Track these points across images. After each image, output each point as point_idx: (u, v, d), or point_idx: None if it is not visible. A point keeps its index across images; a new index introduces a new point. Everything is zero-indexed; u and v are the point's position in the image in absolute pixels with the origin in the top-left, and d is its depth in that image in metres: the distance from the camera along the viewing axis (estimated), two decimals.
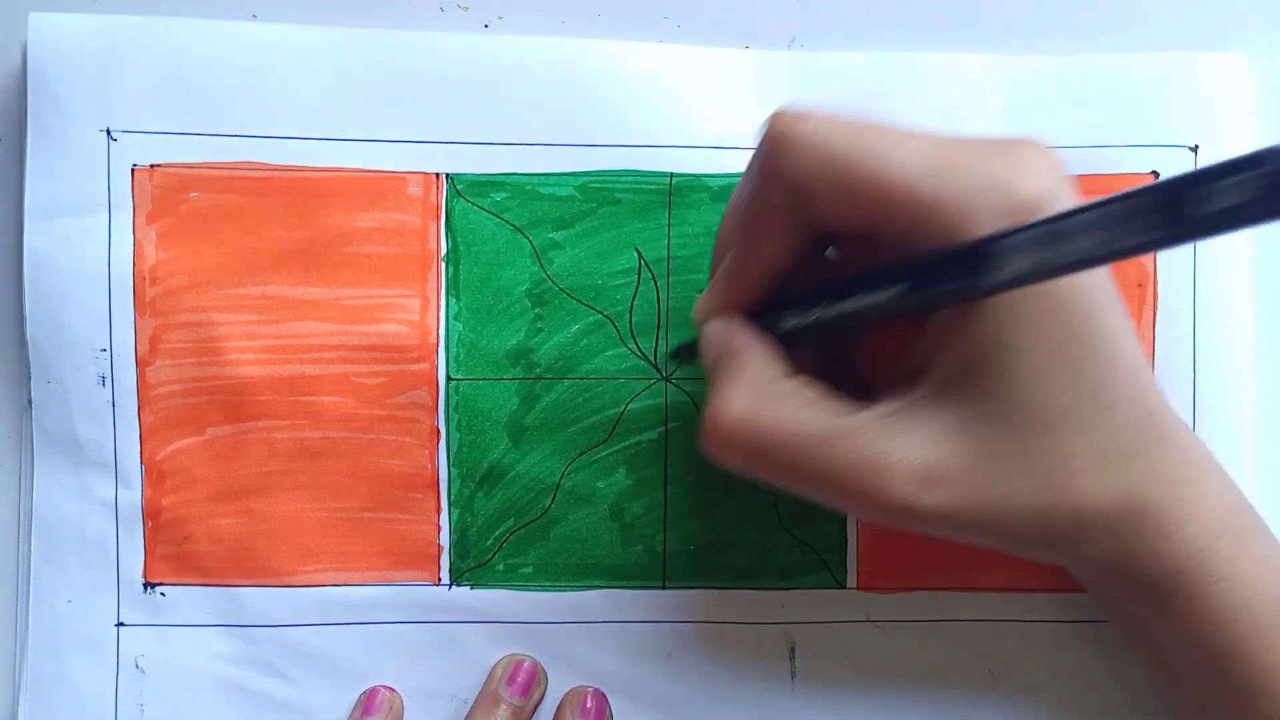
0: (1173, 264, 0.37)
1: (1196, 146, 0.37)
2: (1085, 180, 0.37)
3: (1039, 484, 0.27)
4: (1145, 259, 0.37)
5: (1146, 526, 0.28)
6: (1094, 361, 0.27)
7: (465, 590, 0.37)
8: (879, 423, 0.28)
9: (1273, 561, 0.29)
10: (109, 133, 0.36)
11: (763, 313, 0.31)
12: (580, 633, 0.37)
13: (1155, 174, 0.37)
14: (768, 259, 0.30)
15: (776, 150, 0.28)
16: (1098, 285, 0.28)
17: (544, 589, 0.37)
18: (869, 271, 0.27)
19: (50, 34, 0.35)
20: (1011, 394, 0.27)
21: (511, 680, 0.36)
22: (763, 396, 0.28)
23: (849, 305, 0.28)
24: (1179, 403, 0.37)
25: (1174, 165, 0.37)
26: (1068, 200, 0.27)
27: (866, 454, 0.27)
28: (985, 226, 0.25)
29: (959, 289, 0.25)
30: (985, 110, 0.37)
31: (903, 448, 0.27)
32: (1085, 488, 0.27)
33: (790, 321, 0.30)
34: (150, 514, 0.36)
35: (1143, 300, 0.37)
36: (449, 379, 0.37)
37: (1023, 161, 0.27)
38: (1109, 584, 0.31)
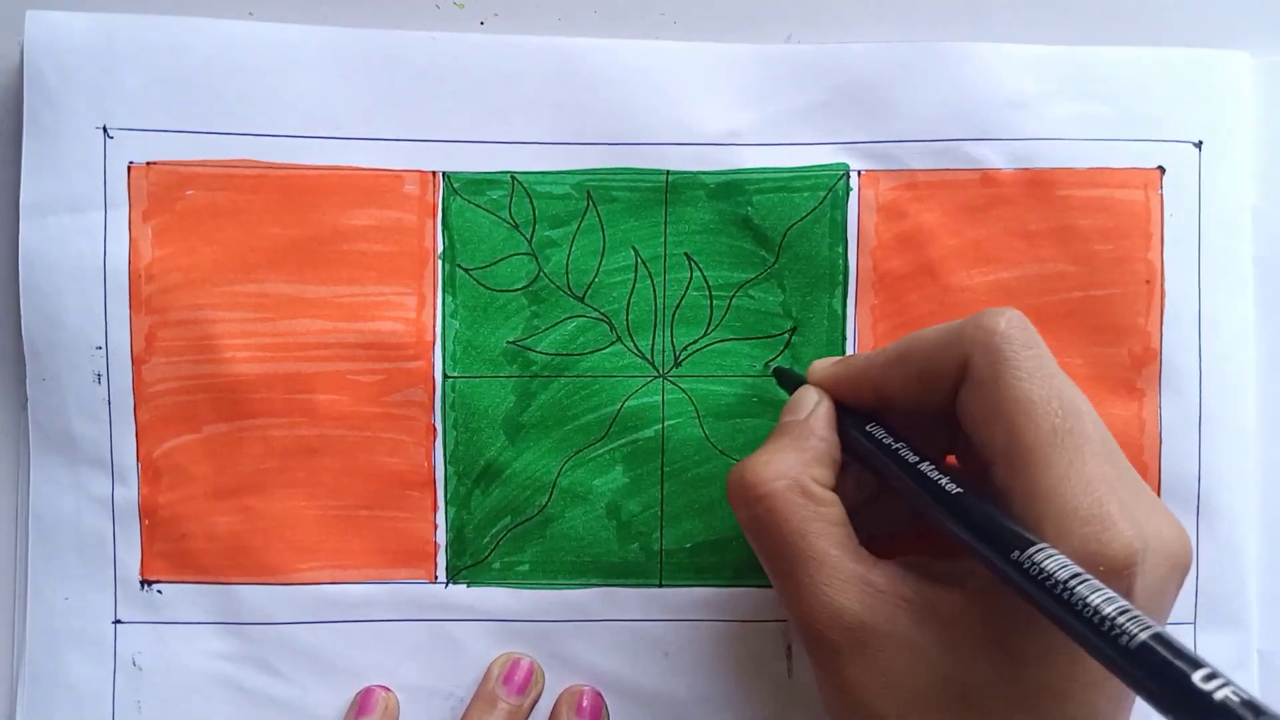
0: (1178, 262, 0.37)
1: (1201, 143, 0.37)
2: (1091, 174, 0.36)
3: None
4: (1153, 255, 0.36)
5: None
6: None
7: (462, 588, 0.37)
8: (865, 580, 0.28)
9: None
10: (105, 130, 0.36)
11: (859, 415, 0.31)
12: (577, 631, 0.37)
13: (1161, 169, 0.36)
14: (897, 391, 0.30)
15: (990, 334, 0.28)
16: None
17: (540, 587, 0.37)
18: (976, 505, 0.27)
19: (47, 32, 0.35)
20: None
21: (508, 679, 0.36)
22: (798, 488, 0.29)
23: (913, 493, 0.29)
24: (1184, 400, 0.36)
25: (1179, 161, 0.37)
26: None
27: (827, 596, 0.28)
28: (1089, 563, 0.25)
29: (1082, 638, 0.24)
30: (988, 101, 0.36)
31: (856, 610, 0.28)
32: None
33: (865, 450, 0.31)
34: (147, 512, 0.36)
35: (1150, 297, 0.37)
36: (445, 377, 0.37)
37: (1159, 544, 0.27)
38: None
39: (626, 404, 0.37)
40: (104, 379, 0.36)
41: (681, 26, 0.37)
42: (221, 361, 0.36)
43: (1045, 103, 0.36)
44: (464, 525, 0.37)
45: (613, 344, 0.37)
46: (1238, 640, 0.37)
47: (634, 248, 0.37)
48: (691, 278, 0.37)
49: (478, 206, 0.36)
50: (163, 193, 0.36)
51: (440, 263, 0.36)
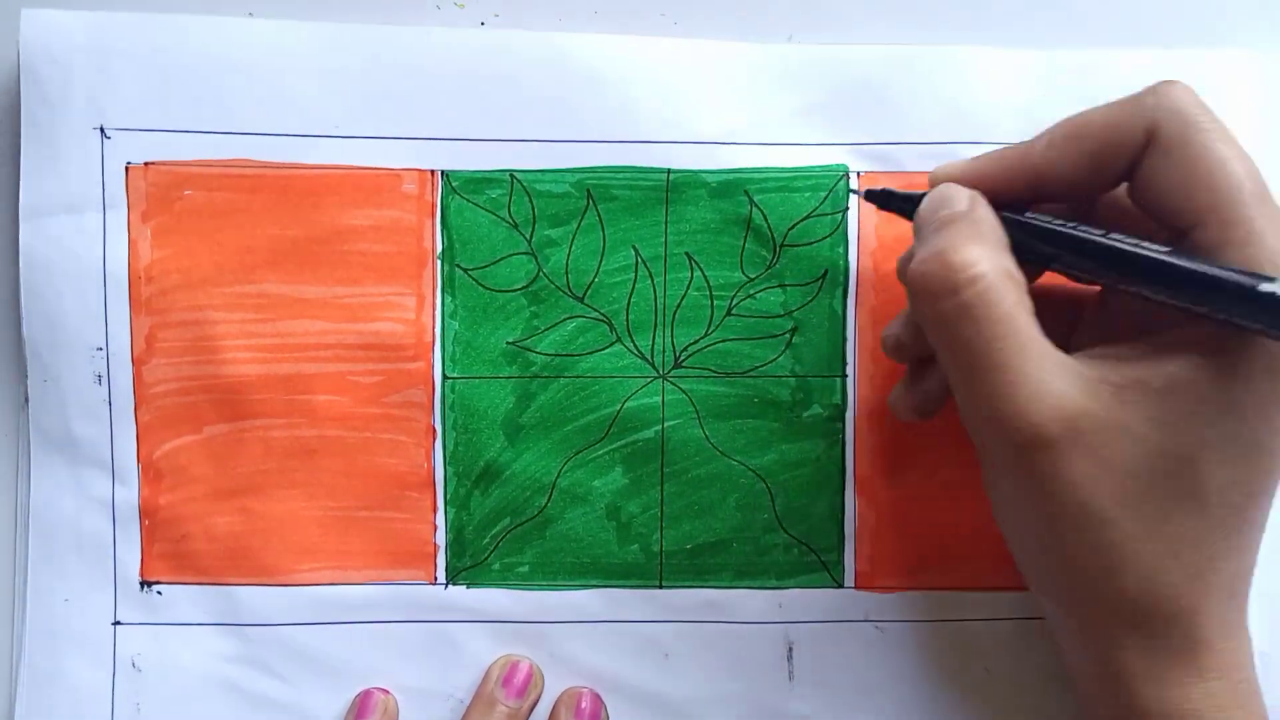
0: None
1: None
2: None
3: (1160, 548, 0.27)
4: None
5: (1207, 634, 0.28)
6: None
7: (461, 589, 0.37)
8: (1075, 368, 0.27)
9: None
10: (103, 130, 0.35)
11: (1009, 207, 0.30)
12: (576, 632, 0.37)
13: None
14: (1061, 174, 0.30)
15: (1175, 99, 0.28)
16: None
17: (540, 588, 0.37)
18: (1170, 260, 0.27)
19: (43, 31, 0.35)
20: (1201, 470, 0.27)
21: (507, 682, 0.36)
22: (1006, 272, 0.27)
23: (1109, 270, 0.28)
24: None
25: None
26: None
27: (1045, 383, 0.27)
28: None
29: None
30: (989, 103, 0.36)
31: (1074, 395, 0.27)
32: (1191, 565, 0.27)
33: (1037, 238, 0.29)
34: (147, 512, 0.36)
35: None
36: (445, 377, 0.36)
37: None
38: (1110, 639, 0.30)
39: (626, 405, 0.37)
40: (104, 380, 0.36)
41: (682, 27, 0.37)
42: (221, 362, 0.36)
43: (1044, 105, 0.36)
44: (464, 526, 0.37)
45: (613, 344, 0.37)
46: None
47: (634, 247, 0.37)
48: (692, 277, 0.37)
49: (477, 205, 0.36)
50: (161, 193, 0.36)
51: (439, 263, 0.36)
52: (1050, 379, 0.27)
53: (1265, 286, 0.25)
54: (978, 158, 0.31)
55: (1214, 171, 0.27)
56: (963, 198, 0.30)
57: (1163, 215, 0.29)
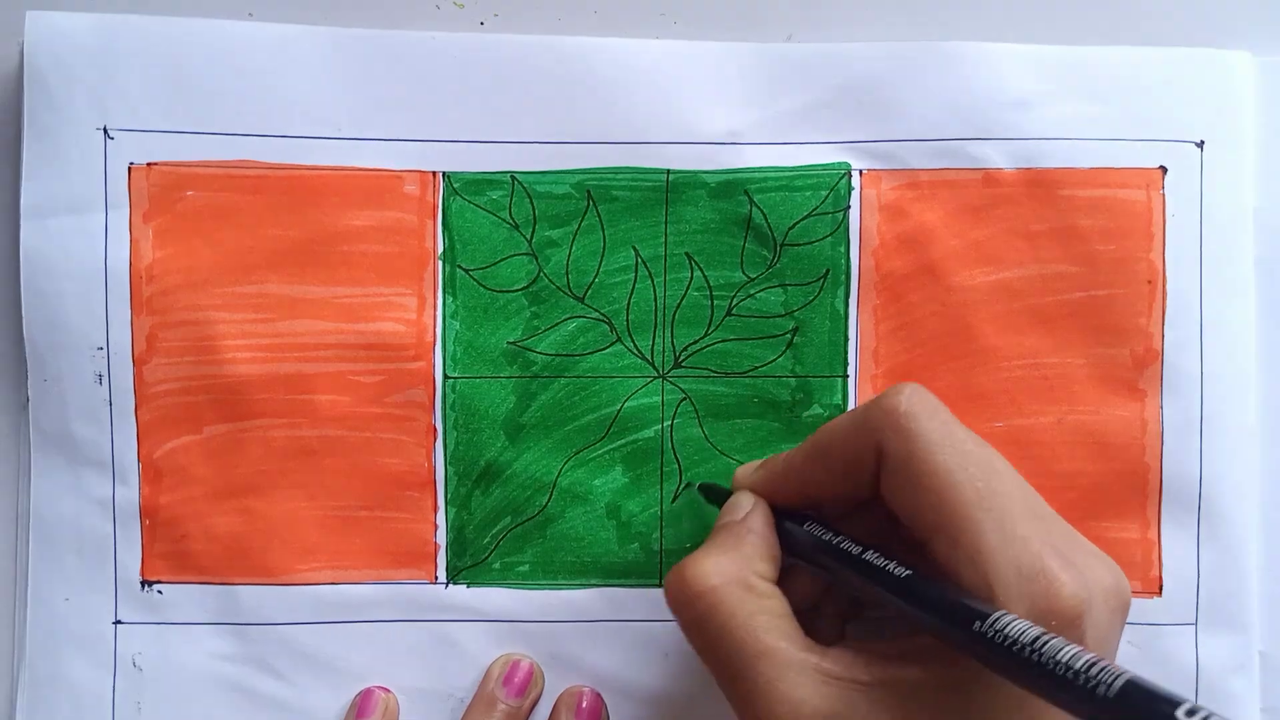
0: (1180, 262, 0.36)
1: (1202, 143, 0.36)
2: (1093, 174, 0.36)
3: None
4: (1155, 255, 0.36)
5: None
6: None
7: (462, 589, 0.37)
8: (818, 669, 0.28)
9: None
10: (106, 131, 0.36)
11: (793, 514, 0.32)
12: (577, 631, 0.37)
13: (1163, 169, 0.36)
14: (823, 485, 0.31)
15: (894, 415, 0.28)
16: None
17: (540, 587, 0.37)
18: (905, 578, 0.28)
19: (47, 32, 0.35)
20: None
21: (508, 681, 0.36)
22: (741, 583, 0.29)
23: (860, 583, 0.29)
24: (1185, 401, 0.36)
25: (1181, 161, 0.36)
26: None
27: (781, 689, 0.27)
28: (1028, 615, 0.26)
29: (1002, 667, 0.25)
30: (990, 101, 0.36)
31: (815, 702, 0.27)
32: None
33: (806, 547, 0.31)
34: (147, 512, 0.36)
35: (1152, 298, 0.36)
36: (446, 377, 0.37)
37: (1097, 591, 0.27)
38: None
39: (626, 404, 0.37)
40: (105, 380, 0.36)
41: (681, 26, 0.37)
42: (222, 362, 0.36)
43: (1047, 102, 0.36)
44: (464, 526, 0.37)
45: (613, 344, 0.37)
46: (1239, 641, 0.37)
47: (634, 248, 0.37)
48: (692, 278, 0.37)
49: (478, 206, 0.36)
50: (163, 194, 0.36)
51: (440, 263, 0.36)
52: (790, 687, 0.27)
53: (977, 625, 0.25)
54: (767, 461, 0.33)
55: (937, 490, 0.28)
56: (744, 506, 0.32)
57: (906, 526, 0.29)
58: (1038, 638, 0.24)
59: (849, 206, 0.37)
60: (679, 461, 0.37)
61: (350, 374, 0.36)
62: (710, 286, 0.37)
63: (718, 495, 0.35)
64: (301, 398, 0.36)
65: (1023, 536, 0.27)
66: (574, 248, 0.37)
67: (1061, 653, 0.23)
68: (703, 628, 0.29)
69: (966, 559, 0.27)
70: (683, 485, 0.37)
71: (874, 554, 0.29)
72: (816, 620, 0.33)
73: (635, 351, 0.37)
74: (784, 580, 0.31)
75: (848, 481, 0.30)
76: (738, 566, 0.30)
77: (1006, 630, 0.25)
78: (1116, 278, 0.36)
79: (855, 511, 0.32)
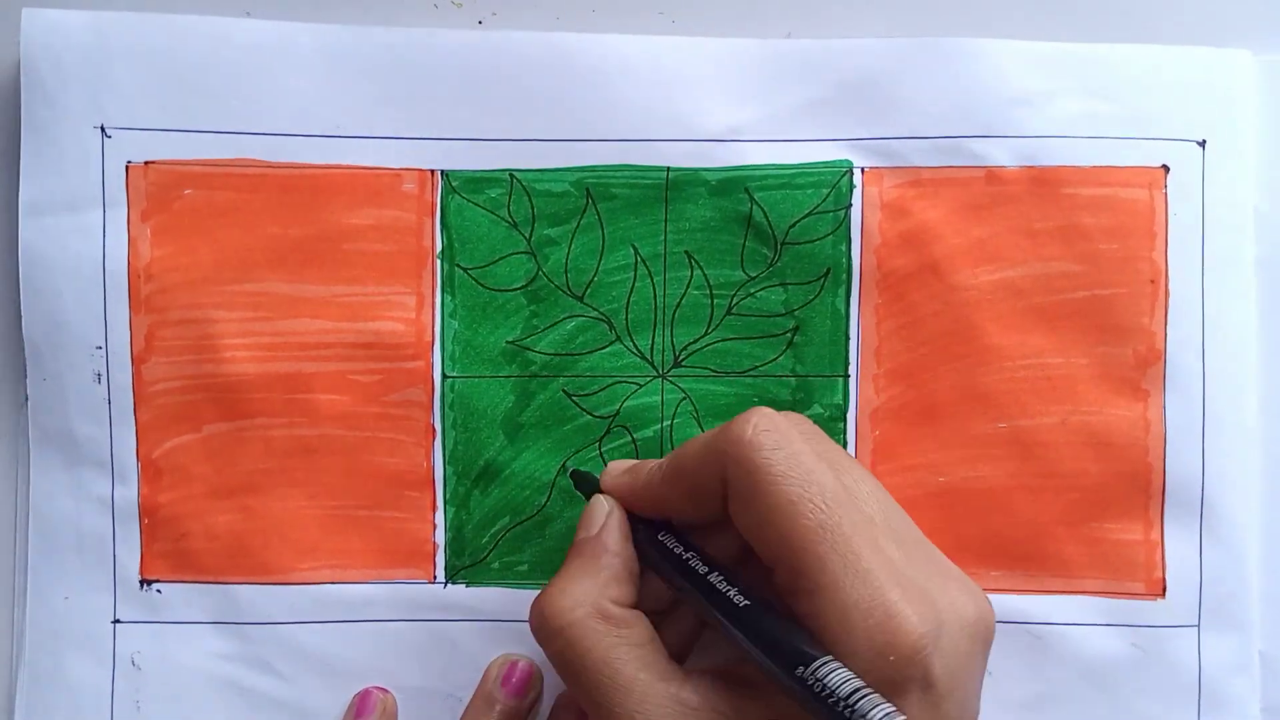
0: (1182, 261, 0.36)
1: (1204, 142, 0.36)
2: (1096, 172, 0.36)
3: None
4: (1157, 254, 0.36)
5: None
6: None
7: (460, 588, 0.37)
8: (677, 700, 0.28)
9: None
10: (103, 129, 0.35)
11: (651, 522, 0.32)
12: None
13: (1165, 168, 0.36)
14: (679, 507, 0.31)
15: (737, 445, 0.28)
16: None
17: (539, 587, 0.36)
18: (747, 609, 0.28)
19: (44, 30, 0.35)
20: None
21: (506, 681, 0.36)
22: (599, 613, 0.29)
23: (702, 605, 0.29)
24: (1188, 401, 0.36)
25: (1183, 160, 0.36)
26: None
27: (644, 709, 0.28)
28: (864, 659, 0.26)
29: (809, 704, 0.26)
30: (993, 98, 0.36)
31: None
32: None
33: (656, 560, 0.31)
34: (147, 511, 0.36)
35: (1154, 297, 0.36)
36: (444, 376, 0.36)
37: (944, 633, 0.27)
38: None
39: (626, 404, 0.37)
40: (104, 379, 0.36)
41: (680, 24, 0.37)
42: (221, 361, 0.36)
43: (1049, 100, 0.36)
44: (463, 525, 0.37)
45: (612, 343, 0.37)
46: (1239, 641, 0.36)
47: (634, 246, 0.37)
48: (692, 276, 0.37)
49: (476, 205, 0.36)
50: (161, 192, 0.36)
51: (439, 262, 0.36)
52: (650, 717, 0.27)
53: (800, 670, 0.25)
54: (635, 466, 0.33)
55: (778, 524, 0.27)
56: (598, 519, 0.32)
57: (758, 554, 0.29)
58: (855, 691, 0.24)
59: (850, 204, 0.36)
60: None
61: (349, 373, 0.36)
62: (710, 285, 0.37)
63: (587, 485, 0.34)
64: (300, 397, 0.36)
65: (865, 569, 0.27)
66: (573, 246, 0.37)
67: (874, 711, 0.24)
68: (565, 662, 0.29)
69: (807, 594, 0.27)
70: (561, 469, 0.37)
71: (719, 577, 0.29)
72: (680, 621, 0.33)
73: (635, 351, 0.37)
74: (647, 583, 0.31)
75: (701, 507, 0.30)
76: (594, 595, 0.30)
77: (826, 680, 0.25)
78: (1119, 277, 0.36)
79: (716, 530, 0.31)
